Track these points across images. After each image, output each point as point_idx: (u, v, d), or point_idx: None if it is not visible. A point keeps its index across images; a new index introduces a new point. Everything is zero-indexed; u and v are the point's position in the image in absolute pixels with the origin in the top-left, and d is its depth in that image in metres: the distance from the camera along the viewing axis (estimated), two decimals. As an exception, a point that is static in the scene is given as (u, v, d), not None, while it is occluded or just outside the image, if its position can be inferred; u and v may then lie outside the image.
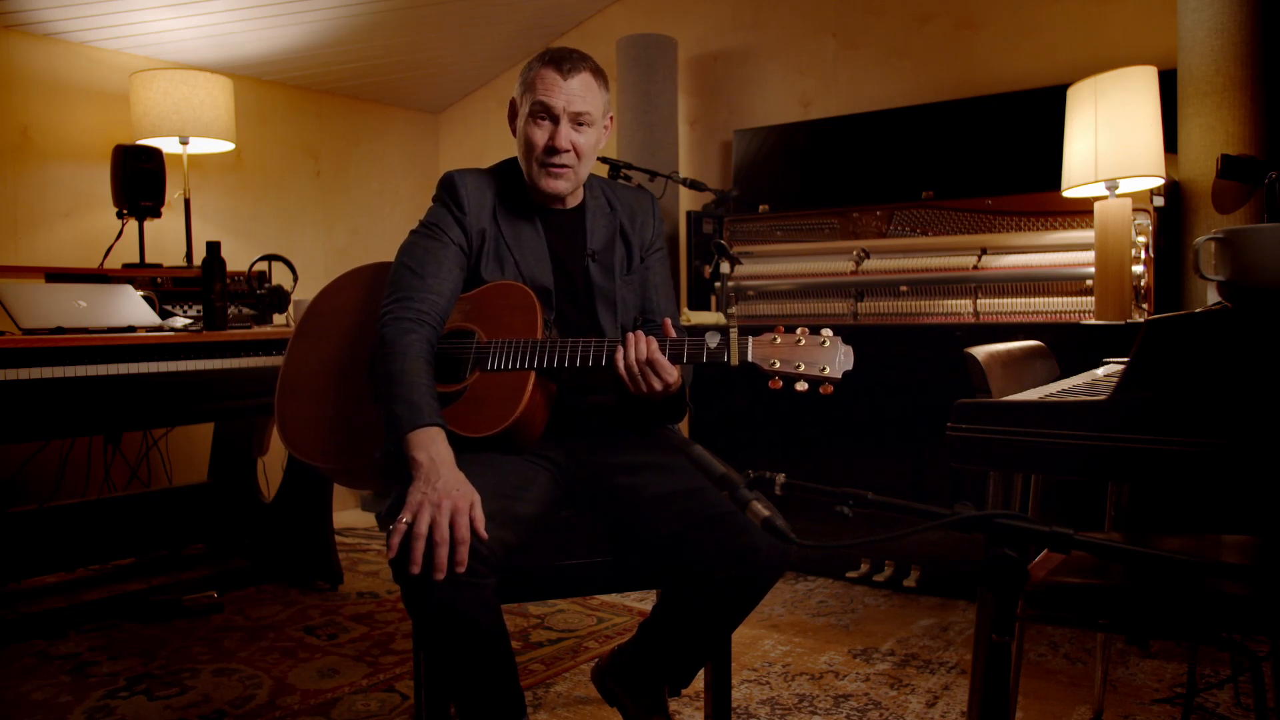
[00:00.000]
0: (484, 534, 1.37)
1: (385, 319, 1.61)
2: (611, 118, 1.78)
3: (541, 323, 1.63)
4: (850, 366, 1.49)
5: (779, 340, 1.50)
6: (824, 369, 1.47)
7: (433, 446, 1.46)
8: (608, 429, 1.74)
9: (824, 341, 1.49)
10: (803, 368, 1.47)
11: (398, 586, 1.41)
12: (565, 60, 1.67)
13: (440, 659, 1.44)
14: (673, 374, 1.54)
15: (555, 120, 1.67)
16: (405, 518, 1.37)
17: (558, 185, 1.70)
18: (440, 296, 1.65)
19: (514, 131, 1.76)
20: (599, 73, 1.72)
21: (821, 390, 1.47)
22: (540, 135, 1.67)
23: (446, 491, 1.39)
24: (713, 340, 1.50)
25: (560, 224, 1.78)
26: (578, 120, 1.68)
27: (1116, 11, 3.07)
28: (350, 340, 1.76)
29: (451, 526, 1.36)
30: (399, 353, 1.55)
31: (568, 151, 1.67)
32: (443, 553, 1.34)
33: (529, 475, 1.59)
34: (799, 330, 1.50)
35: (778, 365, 1.48)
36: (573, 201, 1.80)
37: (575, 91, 1.66)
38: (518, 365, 1.58)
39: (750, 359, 1.49)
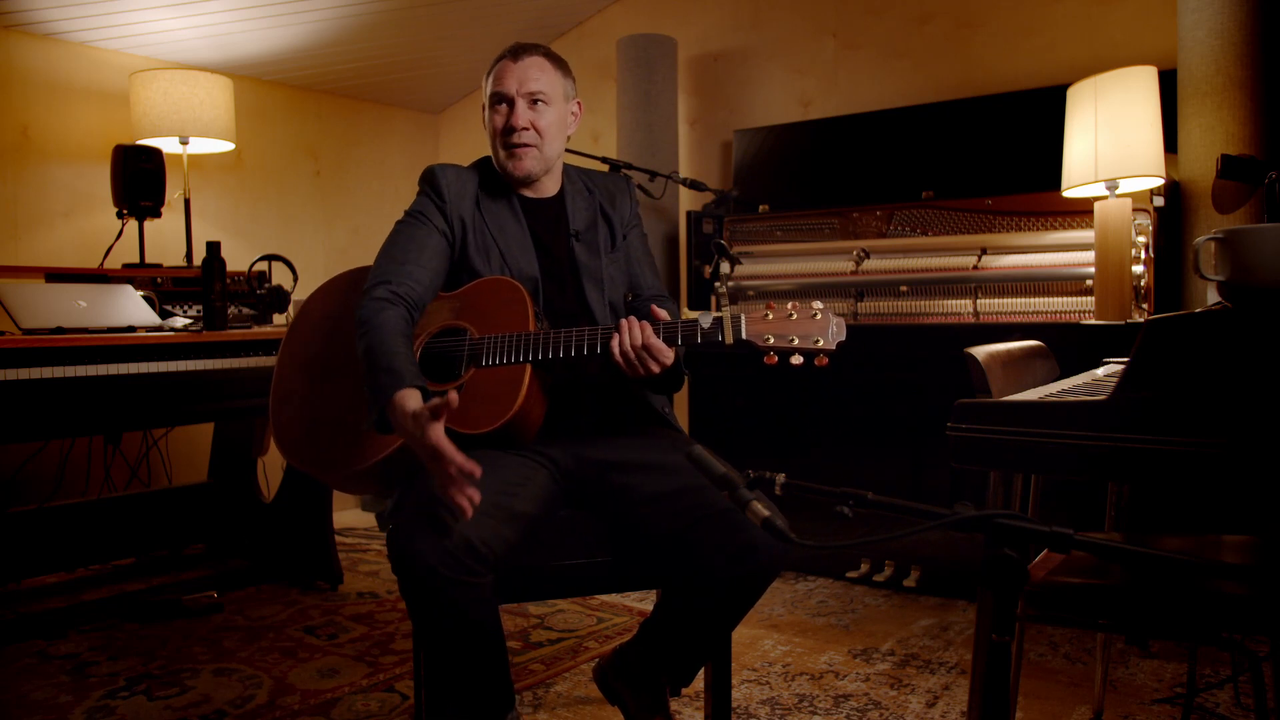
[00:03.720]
0: (476, 472, 1.38)
1: (362, 302, 1.62)
2: (579, 104, 1.83)
3: (533, 315, 1.63)
4: (844, 337, 1.49)
5: (771, 315, 1.49)
6: (818, 341, 1.47)
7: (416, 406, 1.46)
8: (606, 428, 1.75)
9: (815, 314, 1.48)
10: (796, 341, 1.47)
11: (398, 587, 1.41)
12: (518, 49, 1.75)
13: (432, 651, 1.45)
14: (669, 356, 1.54)
15: (511, 104, 1.72)
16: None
17: (523, 165, 1.73)
18: (418, 282, 1.65)
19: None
20: (554, 57, 1.77)
21: (816, 362, 1.47)
22: (499, 119, 1.73)
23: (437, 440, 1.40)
24: (706, 320, 1.51)
25: (541, 211, 1.80)
26: (533, 99, 1.72)
27: (1116, 11, 3.07)
28: (336, 345, 1.76)
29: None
30: (375, 328, 1.55)
31: (525, 130, 1.71)
32: (459, 498, 1.36)
33: (527, 473, 1.59)
34: (790, 304, 1.50)
35: (772, 340, 1.48)
36: (551, 189, 1.82)
37: (527, 73, 1.72)
38: (513, 359, 1.58)
39: (745, 336, 1.49)
